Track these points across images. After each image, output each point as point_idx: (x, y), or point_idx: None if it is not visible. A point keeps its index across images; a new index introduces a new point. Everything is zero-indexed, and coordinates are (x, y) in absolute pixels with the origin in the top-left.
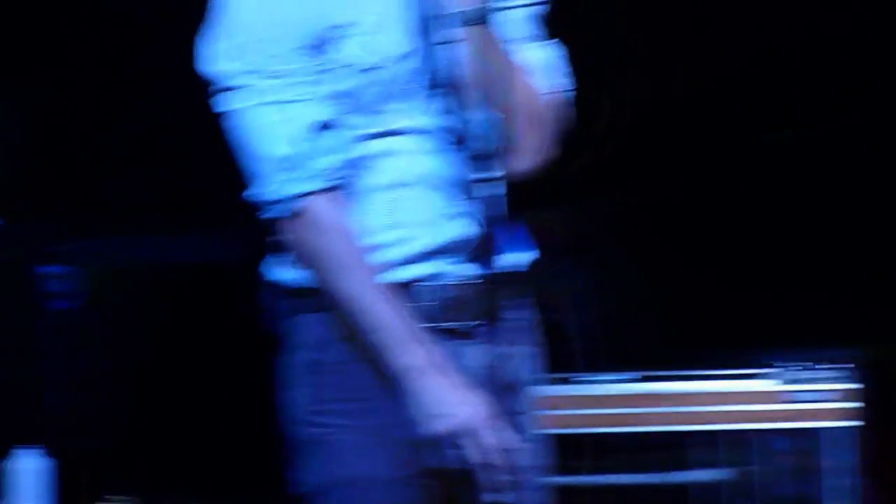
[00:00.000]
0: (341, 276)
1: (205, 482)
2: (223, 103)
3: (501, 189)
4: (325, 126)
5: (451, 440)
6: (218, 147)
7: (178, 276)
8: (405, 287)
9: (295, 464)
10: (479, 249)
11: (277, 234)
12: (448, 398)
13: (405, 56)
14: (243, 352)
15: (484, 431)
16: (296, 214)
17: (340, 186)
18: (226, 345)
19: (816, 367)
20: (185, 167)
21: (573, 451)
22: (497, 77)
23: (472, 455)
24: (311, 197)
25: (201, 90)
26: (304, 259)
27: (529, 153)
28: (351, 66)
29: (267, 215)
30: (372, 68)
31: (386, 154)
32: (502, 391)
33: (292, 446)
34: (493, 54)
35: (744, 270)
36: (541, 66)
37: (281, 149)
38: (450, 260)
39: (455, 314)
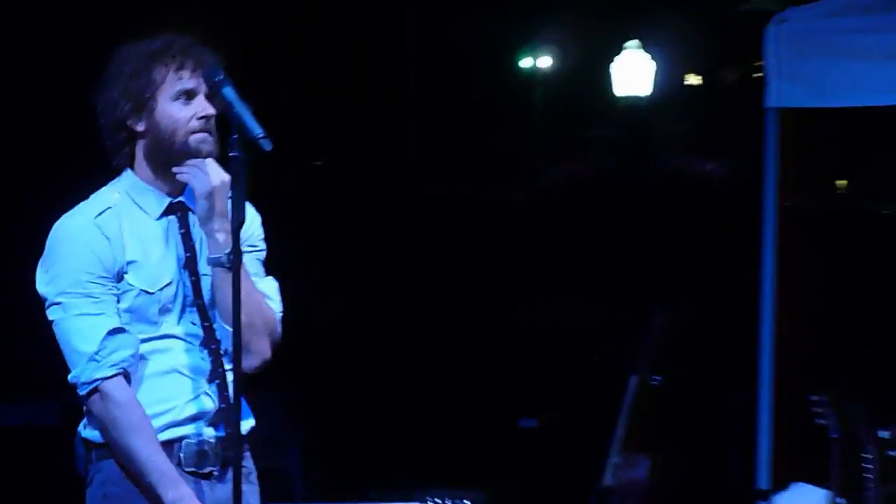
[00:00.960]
0: (127, 436)
1: None
2: (49, 314)
3: (233, 378)
4: (117, 331)
5: None
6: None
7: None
8: (170, 443)
9: None
10: (218, 417)
11: (85, 405)
12: None
13: (170, 284)
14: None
15: None
16: (96, 393)
17: (127, 373)
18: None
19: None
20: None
21: None
22: (237, 300)
23: None
24: (107, 381)
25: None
26: (101, 424)
27: (258, 355)
28: (133, 290)
29: (79, 393)
30: (147, 292)
31: (157, 351)
32: None
33: None
34: (236, 284)
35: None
36: (269, 294)
37: (86, 347)
38: (198, 424)
39: (202, 462)
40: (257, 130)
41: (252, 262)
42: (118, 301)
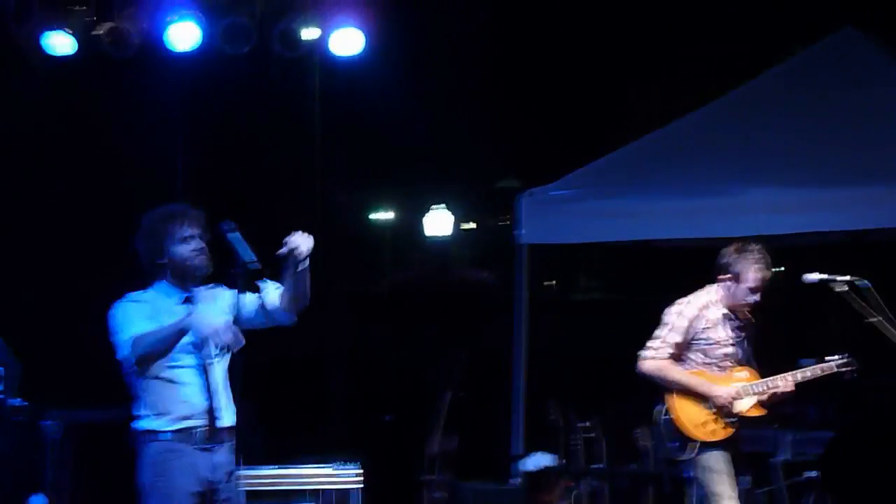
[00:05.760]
0: None
1: None
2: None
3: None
4: None
5: None
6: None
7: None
8: (189, 429)
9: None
10: (211, 414)
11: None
12: None
13: (190, 342)
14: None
15: None
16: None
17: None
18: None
19: None
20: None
21: None
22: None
23: None
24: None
25: None
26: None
27: (302, 306)
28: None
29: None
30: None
31: (179, 374)
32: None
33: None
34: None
35: None
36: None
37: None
38: (201, 419)
39: (206, 439)
40: (248, 257)
41: (272, 290)
42: None
